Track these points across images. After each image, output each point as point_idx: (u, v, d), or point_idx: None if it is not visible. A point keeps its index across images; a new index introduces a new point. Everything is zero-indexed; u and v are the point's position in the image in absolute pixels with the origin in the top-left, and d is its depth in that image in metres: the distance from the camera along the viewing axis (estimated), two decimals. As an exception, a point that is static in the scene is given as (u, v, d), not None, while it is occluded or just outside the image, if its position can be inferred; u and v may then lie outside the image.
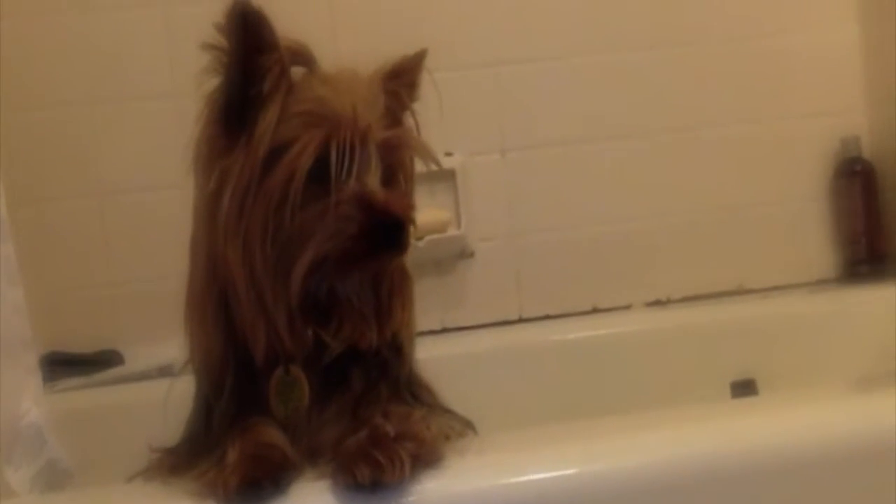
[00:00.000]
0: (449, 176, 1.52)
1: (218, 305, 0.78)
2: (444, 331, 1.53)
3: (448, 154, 1.53)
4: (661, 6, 1.58)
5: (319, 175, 0.77)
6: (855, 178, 1.55)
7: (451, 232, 1.50)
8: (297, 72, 0.81)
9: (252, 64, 0.77)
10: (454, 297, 1.54)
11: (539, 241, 1.57)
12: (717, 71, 1.60)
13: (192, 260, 0.83)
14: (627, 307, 1.58)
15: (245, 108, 0.78)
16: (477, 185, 1.55)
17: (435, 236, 1.48)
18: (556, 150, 1.57)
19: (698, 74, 1.59)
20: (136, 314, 1.48)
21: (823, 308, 1.50)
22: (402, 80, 0.90)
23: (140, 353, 1.44)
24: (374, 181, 0.79)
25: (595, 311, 1.57)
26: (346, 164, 0.77)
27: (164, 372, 1.49)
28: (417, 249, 1.48)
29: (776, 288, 1.59)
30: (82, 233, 1.50)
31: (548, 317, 1.56)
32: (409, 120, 0.91)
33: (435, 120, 1.47)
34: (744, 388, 1.27)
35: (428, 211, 1.52)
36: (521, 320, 1.56)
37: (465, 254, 1.54)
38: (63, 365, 1.43)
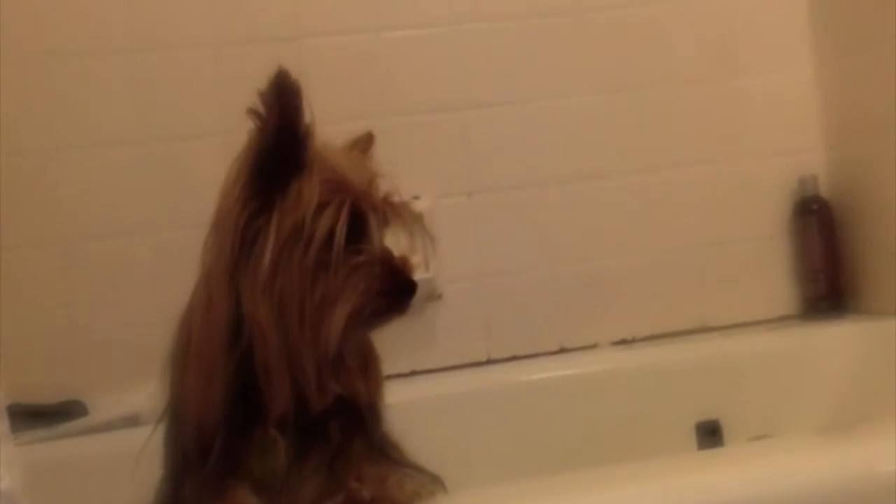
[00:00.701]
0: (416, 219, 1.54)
1: (230, 362, 0.79)
2: (413, 374, 1.54)
3: (415, 197, 1.54)
4: (624, 51, 1.61)
5: (348, 238, 0.81)
6: (813, 216, 1.58)
7: (421, 275, 1.50)
8: None
9: (289, 131, 0.83)
10: (422, 339, 1.54)
11: (506, 282, 1.58)
12: (679, 113, 1.63)
13: (200, 318, 0.83)
14: (594, 346, 1.59)
15: (280, 172, 0.81)
16: (444, 227, 1.54)
17: (404, 280, 1.49)
18: (522, 192, 1.59)
19: (660, 116, 1.62)
20: (99, 363, 1.46)
21: (785, 346, 1.53)
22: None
23: (104, 403, 1.42)
24: (384, 244, 0.86)
25: (562, 350, 1.58)
26: (368, 228, 0.83)
27: (129, 422, 1.47)
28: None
29: (739, 325, 1.62)
30: (44, 280, 1.48)
31: (515, 357, 1.57)
32: None
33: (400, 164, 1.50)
34: (708, 430, 1.28)
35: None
36: (489, 361, 1.57)
37: (433, 296, 1.55)
38: (25, 416, 1.40)
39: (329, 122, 1.49)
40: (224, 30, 1.52)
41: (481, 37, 1.58)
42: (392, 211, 0.87)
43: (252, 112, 0.83)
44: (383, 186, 0.88)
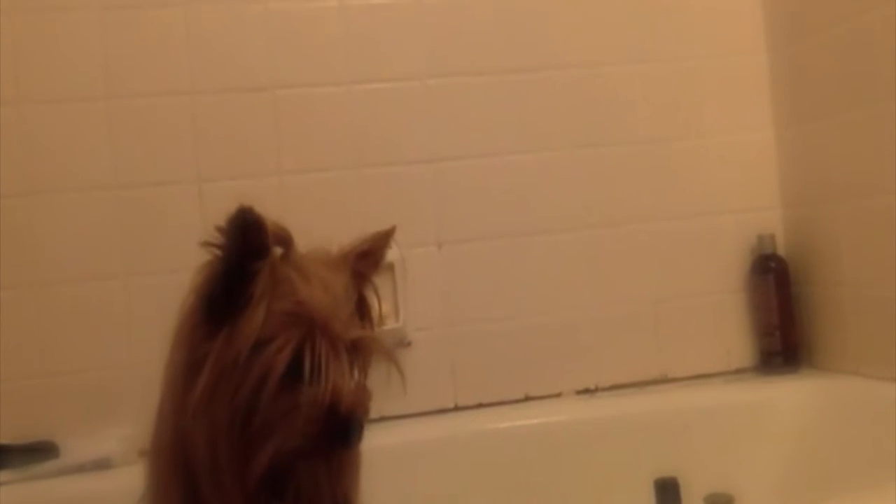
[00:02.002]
0: (388, 268, 1.57)
1: (178, 469, 0.82)
2: (382, 419, 1.56)
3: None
4: (590, 108, 1.66)
5: (292, 373, 0.80)
6: (770, 274, 1.64)
7: (391, 325, 1.55)
8: (275, 252, 0.85)
9: (244, 266, 0.82)
10: (390, 385, 1.58)
11: (473, 330, 1.62)
12: (642, 170, 1.68)
13: (158, 419, 0.85)
14: (558, 395, 1.63)
15: (230, 302, 0.81)
16: (415, 276, 1.59)
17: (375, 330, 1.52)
18: (490, 244, 1.63)
19: (624, 173, 1.67)
20: (72, 406, 1.48)
21: (741, 400, 1.59)
22: (368, 260, 0.96)
23: (76, 445, 1.44)
24: (341, 380, 0.82)
25: (527, 398, 1.62)
26: (318, 367, 0.81)
27: (100, 465, 1.49)
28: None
29: (698, 376, 1.67)
30: (18, 322, 1.48)
31: (482, 405, 1.61)
32: (370, 295, 0.97)
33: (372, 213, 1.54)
34: (667, 487, 1.31)
35: (367, 304, 1.57)
36: (456, 408, 1.60)
37: (402, 343, 1.58)
38: (-4, 455, 1.42)
39: (301, 172, 1.55)
40: (200, 79, 1.55)
41: (452, 92, 1.62)
42: (356, 344, 0.86)
43: (207, 244, 0.83)
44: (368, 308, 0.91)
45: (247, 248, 0.82)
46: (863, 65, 1.45)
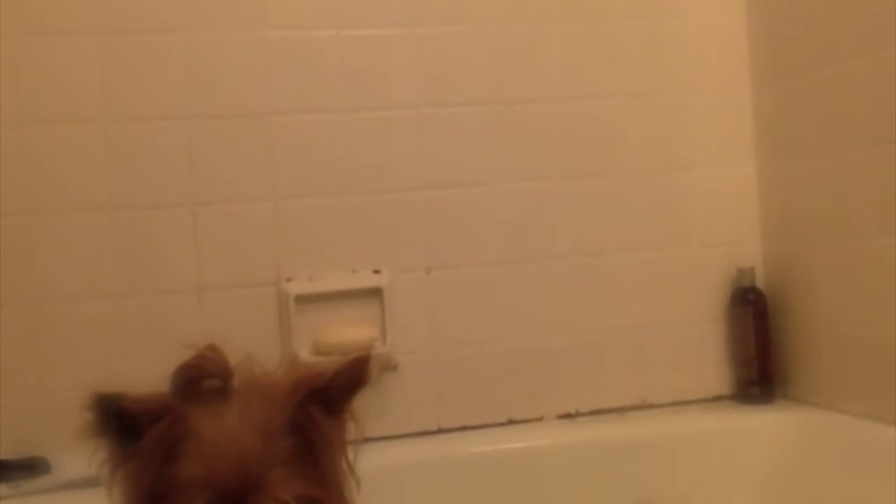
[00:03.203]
0: (376, 293, 1.61)
1: None
2: (366, 440, 1.59)
3: (376, 271, 1.62)
4: (577, 140, 1.70)
5: None
6: (748, 306, 1.68)
7: (377, 349, 1.58)
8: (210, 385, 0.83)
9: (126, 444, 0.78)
10: (377, 408, 1.61)
11: (459, 354, 1.65)
12: (627, 201, 1.72)
13: None
14: (540, 419, 1.67)
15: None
16: (402, 300, 1.63)
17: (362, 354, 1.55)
18: (477, 270, 1.66)
19: (609, 204, 1.71)
20: (64, 423, 1.47)
21: (717, 428, 1.63)
22: (333, 394, 0.84)
23: (67, 462, 1.46)
24: None
25: (510, 422, 1.66)
26: None
27: (91, 482, 1.51)
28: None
29: (676, 403, 1.72)
30: (13, 339, 1.50)
31: (465, 427, 1.64)
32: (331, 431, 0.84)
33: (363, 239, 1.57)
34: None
35: (355, 329, 1.60)
36: (440, 431, 1.64)
37: (388, 366, 1.62)
38: (-12, 470, 1.44)
39: (295, 197, 1.58)
40: (196, 104, 1.57)
41: (444, 122, 1.66)
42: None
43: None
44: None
45: (119, 430, 0.78)
46: (843, 109, 1.50)
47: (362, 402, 1.67)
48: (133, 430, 0.77)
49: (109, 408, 0.77)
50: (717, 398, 1.73)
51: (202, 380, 0.83)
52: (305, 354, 1.56)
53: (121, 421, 0.77)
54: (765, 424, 1.60)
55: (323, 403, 0.82)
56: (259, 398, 0.81)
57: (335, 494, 0.82)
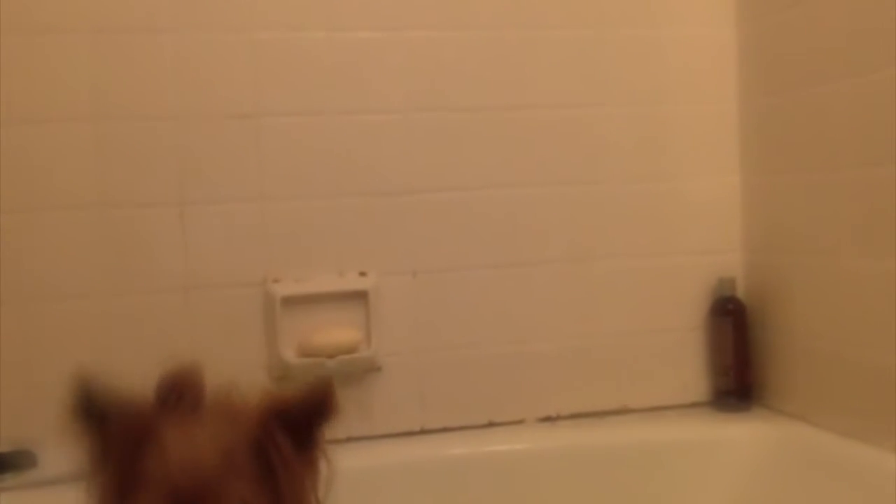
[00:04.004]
0: (361, 296, 1.63)
1: None
2: (349, 440, 1.61)
3: (362, 274, 1.64)
4: (564, 148, 1.71)
5: None
6: (728, 316, 1.71)
7: (362, 352, 1.60)
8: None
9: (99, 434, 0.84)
10: (361, 408, 1.64)
11: (443, 357, 1.68)
12: (612, 209, 1.73)
13: None
14: (520, 422, 1.70)
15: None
16: (388, 303, 1.65)
17: (346, 356, 1.58)
18: (462, 274, 1.68)
19: (594, 212, 1.73)
20: (52, 418, 1.50)
21: (695, 435, 1.65)
22: (299, 420, 0.84)
23: (54, 456, 1.46)
24: None
25: (491, 424, 1.69)
26: None
27: (78, 477, 1.53)
28: (328, 367, 1.59)
29: (655, 408, 1.75)
30: (1, 336, 1.51)
31: (447, 429, 1.67)
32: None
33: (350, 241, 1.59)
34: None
35: (340, 331, 1.62)
36: (422, 431, 1.66)
37: (372, 368, 1.64)
38: (-25, 462, 1.46)
39: (282, 199, 1.59)
40: (185, 104, 1.57)
41: (432, 126, 1.66)
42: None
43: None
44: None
45: (87, 416, 0.84)
46: (827, 129, 1.52)
47: (345, 401, 1.69)
48: (105, 420, 0.82)
49: (86, 393, 0.83)
50: (694, 405, 1.76)
51: (177, 395, 0.85)
52: (291, 356, 1.58)
53: (95, 409, 0.83)
54: (740, 433, 1.63)
55: (291, 432, 0.83)
56: (227, 417, 0.84)
57: None
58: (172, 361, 0.88)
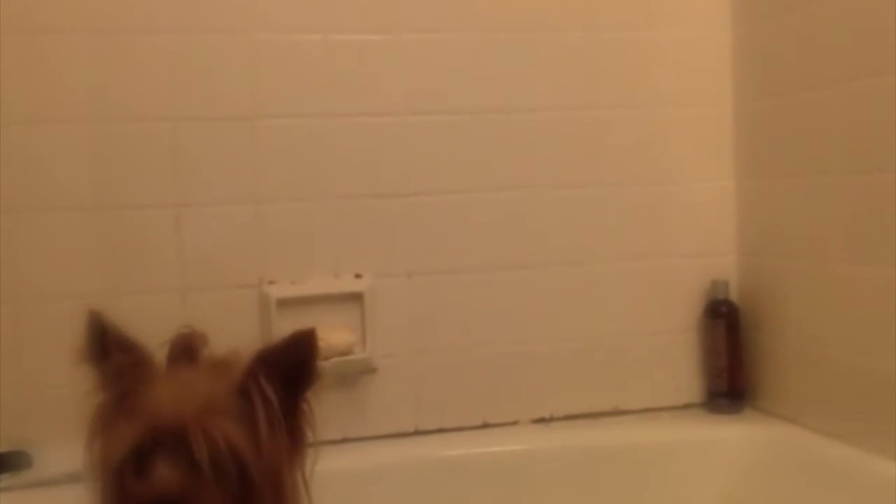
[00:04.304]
0: (357, 298, 1.63)
1: None
2: (345, 440, 1.63)
3: (358, 276, 1.65)
4: (560, 151, 1.72)
5: (132, 467, 0.85)
6: (721, 318, 1.72)
7: (357, 354, 1.61)
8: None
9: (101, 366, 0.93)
10: (356, 409, 1.64)
11: (438, 358, 1.69)
12: (608, 211, 1.74)
13: None
14: (514, 423, 1.71)
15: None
16: (383, 304, 1.65)
17: (341, 358, 1.59)
18: (458, 277, 1.69)
19: (590, 214, 1.74)
20: (48, 419, 1.51)
21: (688, 437, 1.67)
22: (284, 367, 0.91)
23: (50, 457, 1.49)
24: (171, 478, 0.83)
25: (485, 425, 1.70)
26: (148, 463, 0.84)
27: (72, 478, 1.53)
28: (323, 369, 1.59)
29: (648, 410, 1.76)
30: (-1, 336, 1.54)
31: (442, 430, 1.68)
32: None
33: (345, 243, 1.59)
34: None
35: (336, 333, 1.62)
36: (417, 432, 1.67)
37: (368, 369, 1.64)
38: (-30, 463, 1.46)
39: (278, 201, 1.59)
40: (182, 106, 1.58)
41: (428, 129, 1.67)
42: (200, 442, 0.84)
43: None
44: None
45: (99, 349, 0.93)
46: (821, 134, 1.53)
47: (340, 403, 1.68)
48: (114, 352, 0.92)
49: (97, 325, 0.94)
50: (687, 406, 1.78)
51: (178, 351, 0.96)
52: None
53: (103, 342, 0.93)
54: (732, 435, 1.64)
55: (275, 374, 0.90)
56: (219, 368, 0.92)
57: (267, 468, 0.88)
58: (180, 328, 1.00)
